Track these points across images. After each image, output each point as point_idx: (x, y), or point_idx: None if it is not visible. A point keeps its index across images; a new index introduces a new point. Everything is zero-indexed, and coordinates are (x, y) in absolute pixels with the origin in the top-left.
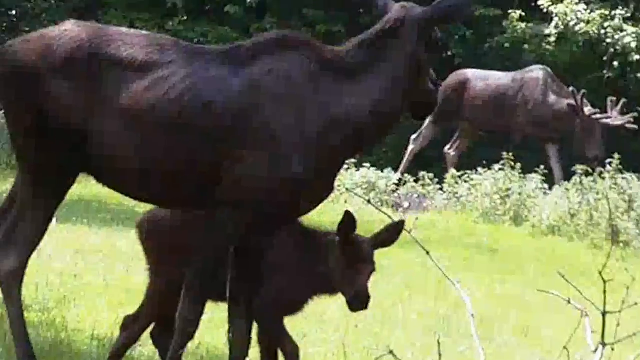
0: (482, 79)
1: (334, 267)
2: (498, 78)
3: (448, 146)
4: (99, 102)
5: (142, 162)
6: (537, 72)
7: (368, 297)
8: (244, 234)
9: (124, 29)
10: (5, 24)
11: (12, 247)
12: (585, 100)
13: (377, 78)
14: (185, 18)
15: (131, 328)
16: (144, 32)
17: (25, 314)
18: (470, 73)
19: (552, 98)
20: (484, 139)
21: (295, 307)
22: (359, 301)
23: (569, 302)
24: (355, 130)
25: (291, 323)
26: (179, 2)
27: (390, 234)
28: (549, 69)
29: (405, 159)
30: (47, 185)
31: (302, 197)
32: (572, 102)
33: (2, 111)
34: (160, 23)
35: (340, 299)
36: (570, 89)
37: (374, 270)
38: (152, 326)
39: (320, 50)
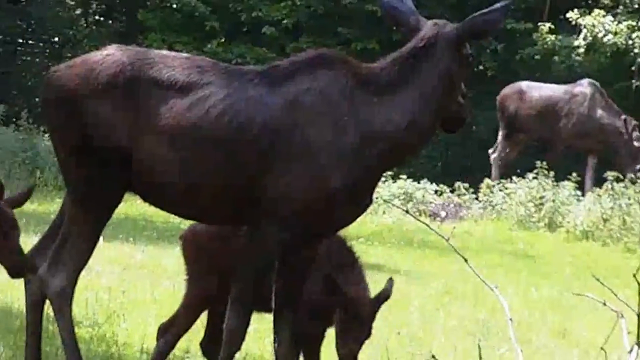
0: (537, 89)
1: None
2: (551, 89)
3: (495, 154)
4: (141, 123)
5: (184, 181)
6: (586, 86)
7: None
8: (286, 247)
9: (164, 52)
10: (48, 51)
11: (60, 266)
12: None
13: (411, 94)
14: (224, 40)
15: (166, 335)
16: (184, 54)
17: (76, 330)
18: (524, 84)
19: (598, 112)
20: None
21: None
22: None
23: (604, 304)
24: (391, 144)
25: None
26: (217, 24)
27: (388, 291)
28: (597, 84)
29: (493, 170)
30: (94, 205)
31: (341, 210)
32: (623, 126)
33: (49, 133)
34: (199, 45)
35: (383, 307)
36: (623, 117)
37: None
38: (202, 337)
39: (355, 66)
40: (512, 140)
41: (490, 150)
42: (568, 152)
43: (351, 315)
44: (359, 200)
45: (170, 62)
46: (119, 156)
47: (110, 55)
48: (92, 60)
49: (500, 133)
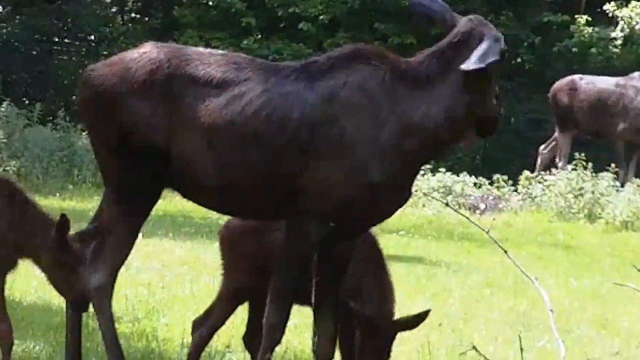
0: (590, 83)
1: None
2: (603, 83)
3: (543, 146)
4: (178, 120)
5: (222, 177)
6: (638, 79)
7: None
8: (325, 241)
9: (201, 49)
10: (84, 49)
11: (100, 263)
12: None
13: (448, 87)
14: (260, 36)
15: (201, 330)
16: (220, 51)
17: (117, 325)
18: (577, 77)
19: None
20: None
21: None
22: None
23: None
24: (429, 137)
25: None
26: (254, 20)
27: (415, 322)
28: None
29: (538, 163)
30: (132, 203)
31: (381, 204)
32: None
33: (87, 132)
34: (235, 42)
35: (424, 300)
36: None
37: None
38: (244, 331)
39: (393, 60)
40: (565, 134)
41: (542, 146)
42: (605, 143)
43: (368, 337)
44: (397, 194)
45: (207, 59)
46: (156, 153)
47: (147, 52)
48: (128, 58)
49: (556, 128)
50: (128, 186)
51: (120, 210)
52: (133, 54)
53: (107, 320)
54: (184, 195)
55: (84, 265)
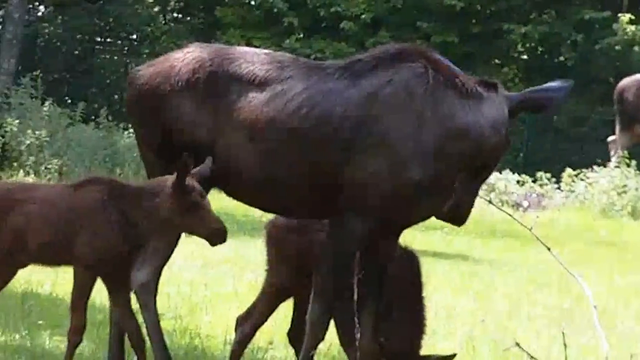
0: None
1: None
2: None
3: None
4: (221, 118)
5: (265, 174)
6: None
7: None
8: (368, 238)
9: (244, 48)
10: (126, 48)
11: (145, 261)
12: None
13: (497, 106)
14: (302, 35)
15: (244, 326)
16: (263, 50)
17: (160, 323)
18: None
19: None
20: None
21: None
22: None
23: None
24: (473, 145)
25: None
26: (296, 20)
27: None
28: None
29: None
30: None
31: (422, 202)
32: None
33: (133, 131)
34: (278, 41)
35: (467, 297)
36: None
37: None
38: (289, 327)
39: (438, 63)
40: (626, 133)
41: (609, 138)
42: None
43: None
44: (439, 194)
45: (250, 58)
46: (201, 152)
47: (191, 52)
48: (173, 58)
49: (617, 125)
50: None
51: None
52: (177, 53)
53: (152, 317)
54: (227, 193)
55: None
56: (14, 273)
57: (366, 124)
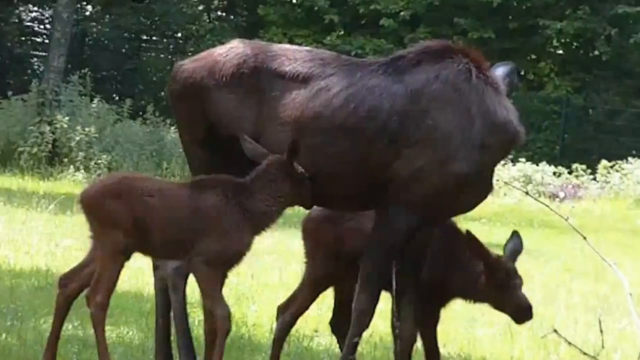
0: None
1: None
2: None
3: None
4: (264, 113)
5: (310, 168)
6: None
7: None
8: (413, 230)
9: (286, 45)
10: (172, 46)
11: None
12: None
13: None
14: (342, 32)
15: (285, 315)
16: (305, 47)
17: None
18: None
19: None
20: (630, 131)
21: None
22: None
23: None
24: (507, 139)
25: (461, 307)
26: (336, 17)
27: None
28: None
29: None
30: None
31: (465, 195)
32: None
33: (176, 124)
34: (319, 38)
35: None
36: None
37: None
38: (331, 316)
39: (478, 60)
40: None
41: None
42: None
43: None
44: (480, 187)
45: (293, 55)
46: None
47: (234, 48)
48: (216, 53)
49: None
50: None
51: None
52: (221, 49)
53: (179, 302)
54: None
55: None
56: (123, 265)
57: (414, 119)
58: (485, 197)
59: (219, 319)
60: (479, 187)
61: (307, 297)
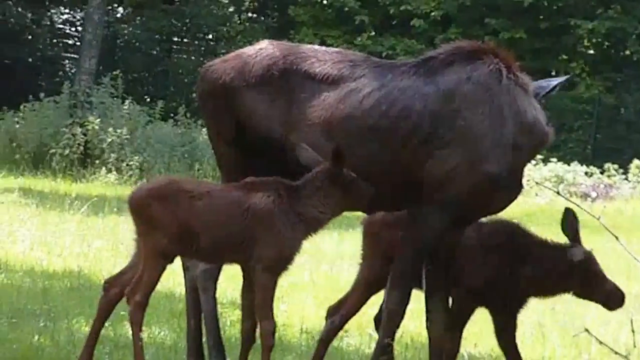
0: None
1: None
2: None
3: None
4: (293, 114)
5: None
6: None
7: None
8: (446, 229)
9: (316, 47)
10: (203, 48)
11: None
12: None
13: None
14: (373, 33)
15: (335, 317)
16: (335, 48)
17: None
18: None
19: None
20: None
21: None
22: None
23: None
24: (537, 140)
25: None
26: (367, 18)
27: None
28: None
29: None
30: None
31: (496, 195)
32: None
33: (205, 124)
34: (350, 39)
35: None
36: None
37: None
38: (377, 312)
39: (509, 61)
40: None
41: None
42: None
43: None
44: (512, 187)
45: (322, 57)
46: (272, 145)
47: (263, 49)
48: (246, 54)
49: None
50: (244, 177)
51: None
52: (250, 50)
53: (210, 302)
54: None
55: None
56: (165, 268)
57: (446, 120)
58: (516, 197)
59: (264, 333)
60: (510, 187)
61: (359, 299)
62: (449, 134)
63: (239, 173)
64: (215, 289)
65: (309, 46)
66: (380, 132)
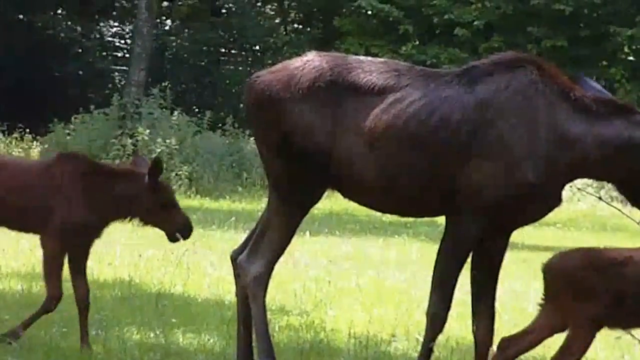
0: None
1: None
2: None
3: None
4: (340, 125)
5: (383, 177)
6: None
7: None
8: (482, 237)
9: (362, 57)
10: (250, 59)
11: (259, 255)
12: None
13: (611, 127)
14: (417, 42)
15: (508, 350)
16: (380, 59)
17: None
18: None
19: None
20: None
21: None
22: None
23: None
24: (579, 156)
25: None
26: (411, 27)
27: None
28: None
29: None
30: (294, 201)
31: (531, 205)
32: None
33: (253, 135)
34: (394, 48)
35: None
36: None
37: None
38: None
39: (552, 72)
40: None
41: None
42: None
43: None
44: (548, 198)
45: (367, 67)
46: (319, 156)
47: (310, 61)
48: (293, 66)
49: None
50: (290, 186)
51: (283, 206)
52: (297, 62)
53: (260, 309)
54: (345, 195)
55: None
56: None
57: (483, 128)
58: (553, 208)
59: None
60: (545, 198)
61: (537, 340)
62: (485, 143)
63: (284, 181)
64: (265, 296)
65: (355, 57)
66: (419, 140)
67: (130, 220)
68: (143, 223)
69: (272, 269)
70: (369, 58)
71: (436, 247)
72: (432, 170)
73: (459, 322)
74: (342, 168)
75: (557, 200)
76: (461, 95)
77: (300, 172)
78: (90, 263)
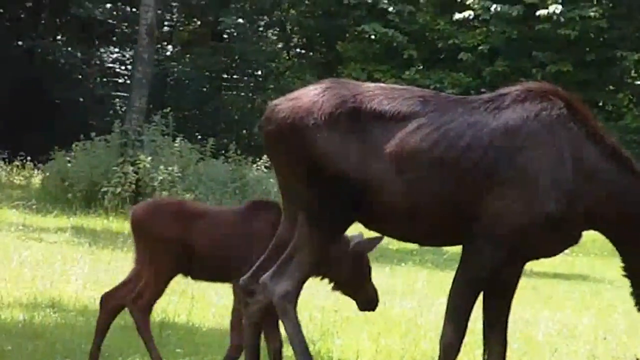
0: None
1: None
2: None
3: None
4: (367, 151)
5: (409, 203)
6: None
7: None
8: (498, 266)
9: (381, 84)
10: (252, 84)
11: (286, 275)
12: None
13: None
14: (421, 67)
15: None
16: (403, 86)
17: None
18: None
19: None
20: None
21: None
22: None
23: None
24: (600, 190)
25: (544, 339)
26: (415, 52)
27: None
28: None
29: None
30: (325, 227)
31: (552, 237)
32: None
33: (273, 164)
34: (398, 73)
35: (589, 315)
36: None
37: None
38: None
39: (580, 106)
40: None
41: None
42: None
43: None
44: (569, 232)
45: (390, 94)
46: (349, 181)
47: (330, 88)
48: (312, 93)
49: None
50: (321, 212)
51: (313, 230)
52: (316, 89)
53: (293, 325)
54: (369, 224)
55: None
56: None
57: (507, 156)
58: (568, 247)
59: None
60: (567, 232)
61: None
62: (510, 170)
63: (319, 211)
64: (296, 311)
65: (375, 84)
66: (445, 164)
67: (323, 279)
68: (337, 287)
69: (300, 288)
70: (389, 85)
71: (442, 274)
72: (455, 195)
73: (466, 352)
74: (370, 194)
75: (575, 238)
76: (489, 121)
77: (331, 198)
78: (92, 292)
